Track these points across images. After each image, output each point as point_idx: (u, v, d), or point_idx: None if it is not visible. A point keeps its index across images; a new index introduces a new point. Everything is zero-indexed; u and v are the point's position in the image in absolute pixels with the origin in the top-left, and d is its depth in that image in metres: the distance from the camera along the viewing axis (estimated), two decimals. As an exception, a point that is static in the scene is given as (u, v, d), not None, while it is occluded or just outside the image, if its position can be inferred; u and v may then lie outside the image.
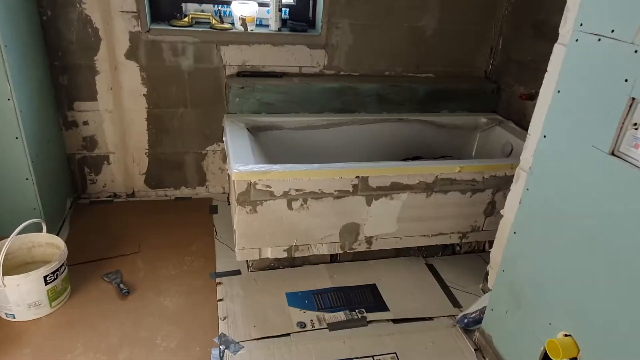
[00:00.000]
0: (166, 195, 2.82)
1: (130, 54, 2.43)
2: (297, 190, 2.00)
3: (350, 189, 2.06)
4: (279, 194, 1.99)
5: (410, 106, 2.76)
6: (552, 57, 1.72)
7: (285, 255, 2.15)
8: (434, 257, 2.43)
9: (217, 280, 2.15)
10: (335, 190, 2.05)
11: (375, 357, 1.79)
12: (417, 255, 2.42)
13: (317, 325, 1.92)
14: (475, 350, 1.87)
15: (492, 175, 2.20)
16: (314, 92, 2.59)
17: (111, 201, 2.73)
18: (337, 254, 2.29)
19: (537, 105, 1.81)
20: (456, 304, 2.12)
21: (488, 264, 2.34)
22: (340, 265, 2.30)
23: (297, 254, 2.17)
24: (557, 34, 2.53)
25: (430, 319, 2.02)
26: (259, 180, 1.94)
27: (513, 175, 2.20)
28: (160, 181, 2.78)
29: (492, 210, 2.30)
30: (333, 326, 1.93)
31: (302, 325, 1.92)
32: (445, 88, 2.76)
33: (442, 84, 2.78)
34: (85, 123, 2.54)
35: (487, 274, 2.18)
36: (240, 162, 1.97)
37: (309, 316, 1.97)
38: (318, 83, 2.60)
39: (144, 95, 2.54)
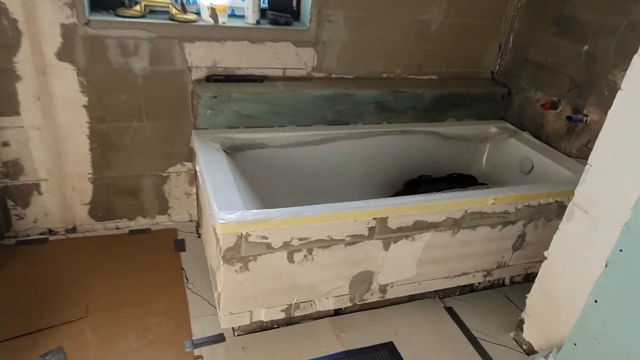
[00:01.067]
0: (118, 228, 2.27)
1: (64, 54, 1.84)
2: (300, 239, 1.55)
3: (366, 233, 1.63)
4: (277, 245, 1.53)
5: (413, 115, 2.35)
6: (629, 72, 1.36)
7: (283, 315, 1.71)
8: (451, 297, 2.07)
9: (195, 352, 1.67)
10: (347, 236, 1.61)
11: None
12: (433, 297, 2.04)
13: (333, 414, 1.51)
14: None
15: (526, 205, 1.85)
16: (303, 101, 2.12)
17: (46, 240, 2.14)
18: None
19: (605, 131, 1.45)
20: (490, 363, 1.77)
21: (518, 308, 2.02)
22: (347, 318, 1.89)
23: (298, 313, 1.73)
24: (590, 34, 2.23)
25: (467, 390, 1.66)
26: (253, 231, 1.46)
27: (548, 204, 1.88)
28: (109, 211, 2.22)
29: (522, 244, 1.96)
30: (353, 413, 1.52)
31: (314, 415, 1.50)
32: (453, 93, 2.37)
33: (448, 88, 2.39)
34: (5, 144, 1.93)
35: (521, 322, 1.85)
36: (225, 206, 1.48)
37: (320, 399, 1.55)
38: (308, 90, 2.12)
39: (84, 106, 1.96)
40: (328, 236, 1.58)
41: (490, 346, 1.85)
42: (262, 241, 1.50)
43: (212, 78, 2.05)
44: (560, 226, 1.65)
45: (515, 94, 2.47)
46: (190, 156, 2.21)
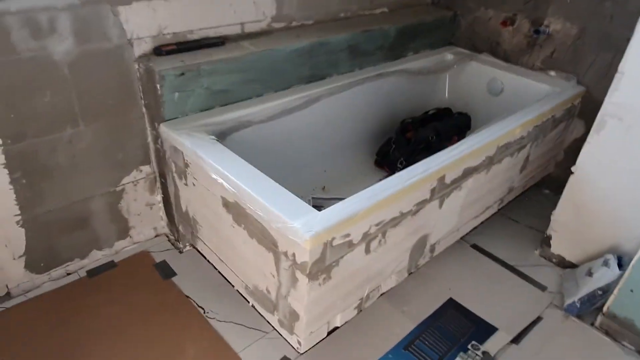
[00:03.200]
0: (69, 274, 1.70)
1: (-61, 49, 1.18)
2: (377, 224, 1.30)
3: (428, 196, 1.45)
4: (357, 239, 1.26)
5: (381, 55, 2.14)
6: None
7: (355, 313, 1.47)
8: (468, 234, 2.04)
9: (272, 391, 1.36)
10: (414, 205, 1.41)
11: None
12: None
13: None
14: (605, 334, 1.60)
15: (535, 126, 1.84)
16: (278, 61, 1.75)
17: (-30, 323, 1.50)
18: (392, 277, 1.69)
19: (637, 36, 1.45)
20: (539, 285, 1.80)
21: (525, 226, 2.08)
22: (398, 289, 1.71)
23: (367, 304, 1.51)
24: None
25: (539, 319, 1.66)
26: (338, 233, 1.17)
27: (546, 120, 1.90)
28: (53, 257, 1.63)
29: (526, 164, 1.98)
30: (469, 386, 1.41)
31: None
32: (412, 25, 2.21)
33: (405, 20, 2.21)
34: None
35: (547, 238, 1.91)
36: (293, 212, 1.15)
37: (430, 386, 1.40)
38: (281, 45, 1.75)
39: (-11, 123, 1.33)
40: (399, 211, 1.36)
41: (530, 269, 1.88)
42: (345, 240, 1.22)
43: (163, 50, 1.55)
44: (588, 139, 1.67)
45: (461, 15, 2.41)
46: (147, 158, 1.70)
